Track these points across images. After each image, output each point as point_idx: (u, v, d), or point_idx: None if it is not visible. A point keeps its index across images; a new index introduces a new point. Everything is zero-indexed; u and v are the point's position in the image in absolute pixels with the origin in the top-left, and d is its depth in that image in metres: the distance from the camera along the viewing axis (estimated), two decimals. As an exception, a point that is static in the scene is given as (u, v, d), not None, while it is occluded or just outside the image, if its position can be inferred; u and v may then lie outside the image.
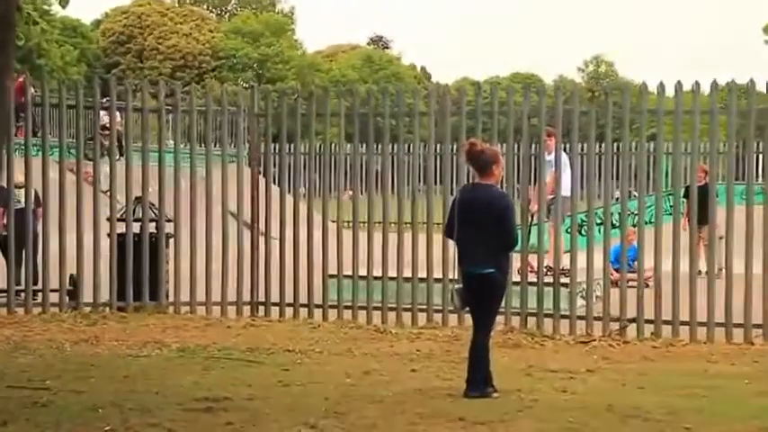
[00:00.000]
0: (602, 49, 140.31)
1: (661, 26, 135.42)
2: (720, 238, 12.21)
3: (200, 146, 14.10)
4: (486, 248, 7.99)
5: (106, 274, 13.07)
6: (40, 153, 13.14)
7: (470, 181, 9.05)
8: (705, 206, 12.18)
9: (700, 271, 12.34)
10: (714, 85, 11.75)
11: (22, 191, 13.09)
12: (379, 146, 13.63)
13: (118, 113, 14.08)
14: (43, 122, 13.36)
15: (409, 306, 12.65)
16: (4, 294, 12.97)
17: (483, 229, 7.98)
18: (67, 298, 13.01)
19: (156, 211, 13.23)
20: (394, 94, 13.32)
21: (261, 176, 13.60)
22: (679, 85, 11.87)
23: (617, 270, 12.52)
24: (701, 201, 11.99)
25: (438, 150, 13.69)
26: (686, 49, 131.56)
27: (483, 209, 8.01)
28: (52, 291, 12.98)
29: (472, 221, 8.05)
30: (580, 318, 12.09)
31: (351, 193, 13.29)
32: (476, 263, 8.06)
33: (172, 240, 13.24)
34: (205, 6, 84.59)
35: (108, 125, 13.79)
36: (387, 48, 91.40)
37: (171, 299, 13.25)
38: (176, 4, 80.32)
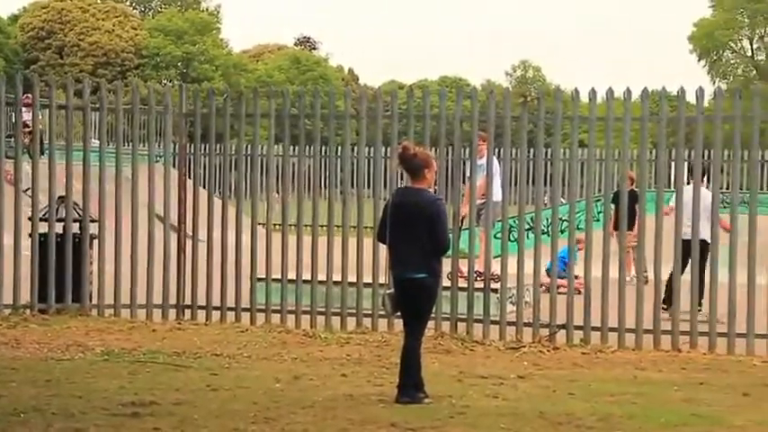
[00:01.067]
0: (526, 54, 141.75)
1: (586, 32, 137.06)
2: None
3: (126, 145, 13.93)
4: (417, 253, 8.03)
5: (27, 274, 12.85)
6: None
7: (403, 185, 9.08)
8: (633, 212, 12.44)
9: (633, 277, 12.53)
10: (645, 92, 11.95)
11: None
12: (309, 148, 13.62)
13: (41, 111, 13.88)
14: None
15: (339, 310, 12.65)
16: None
17: (414, 234, 8.01)
18: (-14, 300, 12.77)
19: (80, 211, 13.04)
20: (325, 96, 13.31)
21: (188, 177, 13.49)
22: (610, 92, 12.04)
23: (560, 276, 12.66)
24: (628, 207, 12.21)
25: (369, 154, 13.72)
26: (613, 55, 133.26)
27: (414, 213, 8.04)
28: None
29: (404, 225, 8.07)
30: (510, 323, 12.19)
31: (278, 195, 13.24)
32: (407, 267, 8.09)
33: (96, 241, 13.06)
34: (128, 3, 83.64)
35: (29, 122, 13.58)
36: (314, 49, 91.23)
37: (95, 301, 13.08)
38: (98, 0, 79.31)
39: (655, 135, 12.54)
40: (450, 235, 12.17)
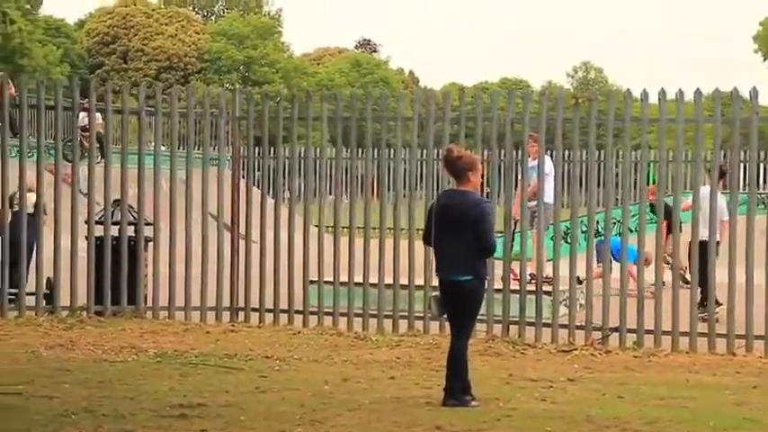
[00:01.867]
0: (592, 54, 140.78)
1: (651, 32, 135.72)
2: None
3: (181, 148, 14.08)
4: (462, 255, 8.01)
5: (84, 277, 13.03)
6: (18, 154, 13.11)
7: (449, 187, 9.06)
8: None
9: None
10: (698, 93, 11.80)
11: (32, 195, 13.09)
12: (363, 150, 13.65)
13: (99, 115, 14.07)
14: (22, 123, 13.30)
15: (390, 313, 12.65)
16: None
17: (460, 236, 8.00)
18: (44, 301, 12.96)
19: (136, 214, 13.19)
20: (378, 97, 13.34)
21: (242, 180, 13.59)
22: (662, 93, 11.90)
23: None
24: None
25: (422, 156, 13.72)
26: (676, 55, 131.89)
27: (459, 215, 8.03)
28: (28, 294, 12.93)
29: (449, 228, 8.06)
30: (562, 326, 12.10)
31: (332, 197, 13.28)
32: (453, 270, 8.07)
33: (151, 244, 13.20)
34: (191, 8, 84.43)
35: (87, 126, 13.78)
36: (375, 51, 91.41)
37: (149, 303, 13.22)
38: (162, 6, 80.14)
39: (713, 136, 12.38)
40: (503, 238, 12.25)
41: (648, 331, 11.80)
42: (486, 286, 8.45)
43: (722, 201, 12.36)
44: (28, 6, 58.01)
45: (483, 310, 11.25)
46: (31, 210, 13.14)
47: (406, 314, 12.62)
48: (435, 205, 8.32)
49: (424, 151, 12.96)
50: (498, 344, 11.61)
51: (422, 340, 11.84)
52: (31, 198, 13.18)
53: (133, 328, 12.25)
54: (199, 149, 14.51)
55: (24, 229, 12.82)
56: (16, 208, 13.14)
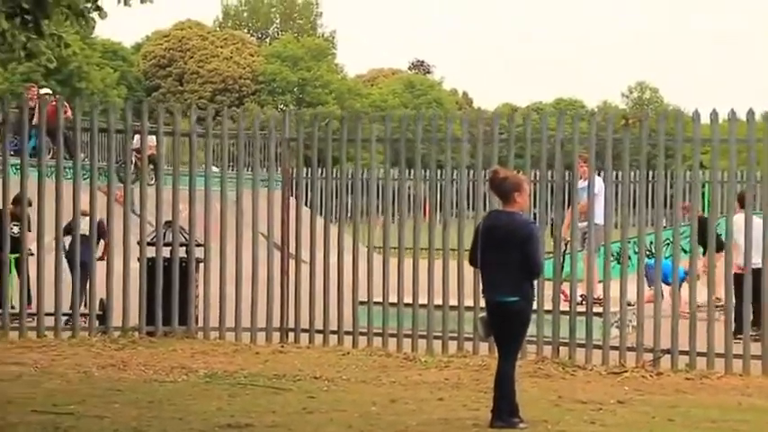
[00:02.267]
0: (651, 74, 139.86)
1: (706, 52, 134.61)
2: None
3: (231, 170, 14.20)
4: (509, 277, 7.98)
5: (136, 298, 13.16)
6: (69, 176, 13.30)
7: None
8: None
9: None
10: (751, 113, 11.68)
11: (86, 218, 13.29)
12: (413, 171, 13.66)
13: (152, 137, 14.24)
14: (75, 146, 13.51)
15: (440, 334, 12.63)
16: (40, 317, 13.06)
17: (506, 257, 7.98)
18: (97, 322, 13.10)
19: (187, 236, 13.31)
20: (429, 118, 13.37)
21: (292, 200, 13.67)
22: (714, 114, 11.80)
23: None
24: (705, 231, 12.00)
25: (472, 176, 13.70)
26: (734, 75, 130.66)
27: (506, 236, 8.01)
28: (82, 315, 13.08)
29: (495, 249, 8.04)
30: (613, 348, 12.00)
31: (381, 219, 13.31)
32: (499, 291, 8.05)
33: (202, 265, 13.31)
34: (246, 30, 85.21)
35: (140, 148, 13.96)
36: (428, 73, 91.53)
37: (200, 324, 13.31)
38: (217, 28, 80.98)
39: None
40: (552, 259, 12.20)
41: (701, 353, 11.67)
42: (533, 307, 8.41)
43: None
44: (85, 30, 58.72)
45: (533, 331, 11.27)
46: (86, 232, 13.30)
47: (456, 335, 12.59)
48: (481, 226, 8.31)
49: (473, 172, 12.94)
50: (548, 365, 11.54)
51: (471, 361, 11.81)
52: (85, 221, 13.34)
53: (184, 348, 12.34)
54: (249, 171, 14.61)
55: (77, 251, 12.99)
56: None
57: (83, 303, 13.52)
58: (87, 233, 13.28)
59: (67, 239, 13.92)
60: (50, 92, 26.56)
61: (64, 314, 13.09)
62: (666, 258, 13.52)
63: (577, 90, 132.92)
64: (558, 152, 12.51)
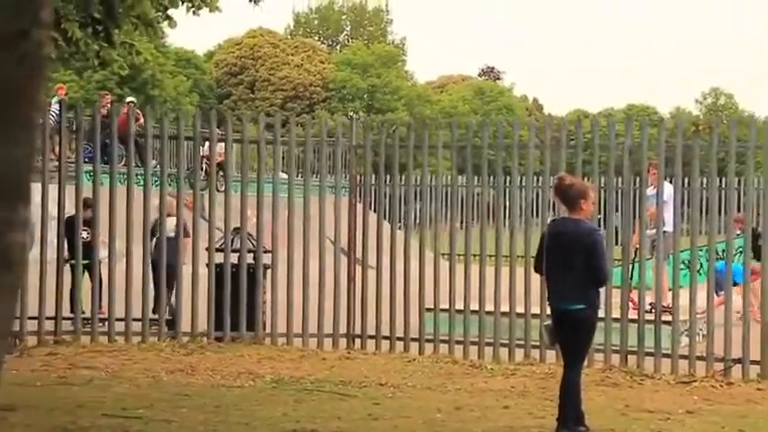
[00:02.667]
0: (725, 80, 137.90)
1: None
2: None
3: (299, 176, 14.30)
4: (575, 284, 7.93)
5: (204, 303, 13.29)
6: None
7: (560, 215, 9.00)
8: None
9: None
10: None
11: (172, 219, 13.44)
12: (481, 178, 13.63)
13: (221, 144, 14.38)
14: (146, 152, 13.69)
15: (507, 341, 12.58)
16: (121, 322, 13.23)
17: (571, 265, 7.92)
18: (166, 327, 13.25)
19: (255, 242, 13.41)
20: (495, 125, 13.32)
21: (359, 206, 13.72)
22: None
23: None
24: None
25: (539, 183, 13.63)
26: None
27: (571, 244, 7.95)
28: (151, 320, 13.23)
29: (560, 257, 8.00)
30: (682, 357, 11.85)
31: (446, 226, 13.31)
32: (565, 299, 8.00)
33: (269, 271, 13.39)
34: (317, 38, 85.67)
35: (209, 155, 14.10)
36: (498, 79, 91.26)
37: (268, 330, 13.40)
38: (288, 36, 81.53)
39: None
40: (620, 267, 12.08)
41: (773, 363, 11.48)
42: (598, 315, 8.34)
43: None
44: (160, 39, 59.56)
45: (600, 339, 11.20)
46: (171, 234, 13.46)
47: (523, 342, 12.53)
48: (547, 233, 8.27)
49: (541, 178, 12.88)
50: (615, 374, 11.42)
51: (538, 369, 11.73)
52: (170, 222, 13.49)
53: (251, 353, 12.42)
54: (317, 177, 14.70)
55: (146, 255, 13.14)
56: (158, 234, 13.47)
57: (168, 306, 13.61)
58: (172, 235, 13.43)
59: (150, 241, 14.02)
60: (134, 100, 27.17)
61: (134, 319, 13.24)
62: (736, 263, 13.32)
63: (650, 97, 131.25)
64: (626, 159, 12.40)
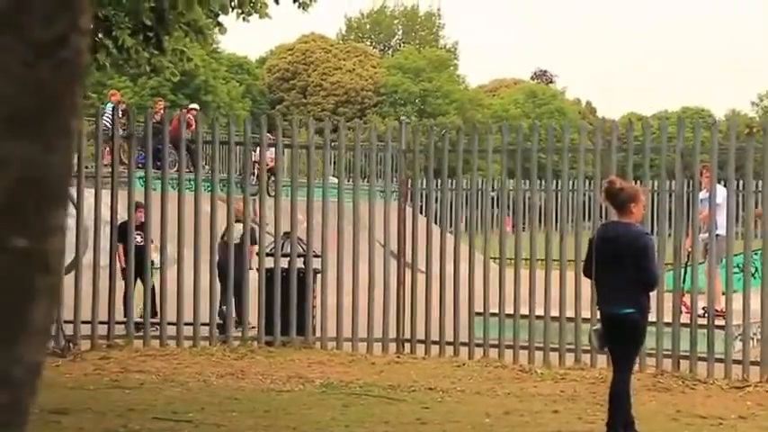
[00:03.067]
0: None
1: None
2: None
3: (348, 181, 14.33)
4: (624, 288, 7.85)
5: (255, 308, 13.34)
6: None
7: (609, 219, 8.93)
8: None
9: None
10: None
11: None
12: (530, 182, 13.57)
13: (272, 150, 14.44)
14: (197, 157, 13.79)
15: (557, 346, 12.50)
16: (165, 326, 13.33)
17: (621, 269, 7.85)
18: (217, 331, 13.32)
19: (305, 246, 13.44)
20: (545, 128, 13.25)
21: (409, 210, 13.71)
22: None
23: None
24: None
25: (589, 186, 13.53)
26: None
27: (621, 247, 7.88)
28: (203, 324, 13.30)
29: (610, 260, 7.93)
30: (736, 362, 11.70)
31: (496, 230, 13.27)
32: (614, 302, 7.93)
33: (319, 275, 13.43)
34: (368, 42, 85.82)
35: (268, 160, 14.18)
36: (551, 82, 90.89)
37: (317, 334, 13.42)
38: (340, 41, 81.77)
39: None
40: (673, 271, 11.95)
41: (828, 368, 11.30)
42: (648, 319, 8.26)
43: None
44: (213, 45, 60.03)
45: (652, 343, 11.10)
46: (237, 240, 13.52)
47: (573, 347, 12.44)
48: (596, 237, 8.21)
49: (592, 182, 12.80)
50: (667, 379, 11.31)
51: (588, 374, 11.65)
52: (237, 228, 13.54)
53: (301, 358, 12.45)
54: (367, 181, 14.72)
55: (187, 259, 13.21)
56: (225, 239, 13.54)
57: (220, 311, 13.66)
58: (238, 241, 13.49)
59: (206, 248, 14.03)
60: (197, 107, 27.49)
61: (186, 323, 13.32)
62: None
63: (705, 99, 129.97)
64: (678, 162, 12.28)
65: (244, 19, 11.76)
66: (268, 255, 13.39)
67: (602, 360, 11.93)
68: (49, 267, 2.48)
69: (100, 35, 11.43)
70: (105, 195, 13.27)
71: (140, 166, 14.53)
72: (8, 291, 2.43)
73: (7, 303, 2.42)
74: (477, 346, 12.91)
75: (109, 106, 22.63)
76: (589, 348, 11.99)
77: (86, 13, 2.60)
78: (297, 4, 11.33)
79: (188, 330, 13.15)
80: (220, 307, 13.57)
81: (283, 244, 13.46)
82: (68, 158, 2.53)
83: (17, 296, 2.43)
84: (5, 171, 2.46)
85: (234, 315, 13.53)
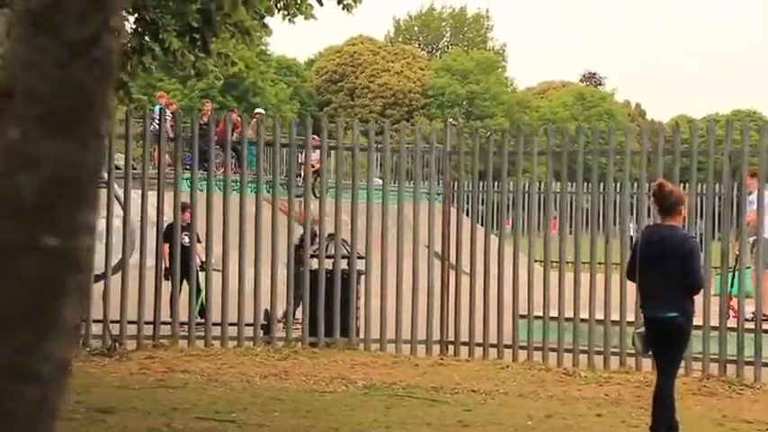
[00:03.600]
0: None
1: None
2: None
3: (393, 183, 14.33)
4: (669, 292, 7.79)
5: (299, 309, 13.37)
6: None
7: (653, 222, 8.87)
8: None
9: None
10: None
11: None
12: (576, 184, 13.50)
13: (318, 152, 14.47)
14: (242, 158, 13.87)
15: (601, 349, 12.41)
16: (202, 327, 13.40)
17: (666, 272, 7.79)
18: (261, 332, 13.36)
19: (349, 248, 13.46)
20: (592, 131, 13.17)
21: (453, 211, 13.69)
22: None
23: None
24: None
25: (636, 189, 13.45)
26: None
27: (666, 251, 7.82)
28: (247, 325, 13.34)
29: (655, 263, 7.87)
30: (783, 366, 11.56)
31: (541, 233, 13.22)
32: (659, 306, 7.87)
33: (363, 277, 13.43)
34: (416, 44, 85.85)
35: (314, 163, 14.23)
36: (600, 84, 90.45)
37: (361, 336, 13.43)
38: (388, 43, 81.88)
39: None
40: (719, 274, 11.82)
41: None
42: (692, 323, 8.18)
43: None
44: (262, 47, 60.36)
45: (699, 347, 11.00)
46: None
47: (618, 350, 12.34)
48: (641, 240, 8.16)
49: (637, 185, 12.71)
50: (713, 383, 11.18)
51: (633, 377, 11.55)
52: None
53: (345, 359, 12.45)
54: (412, 183, 14.71)
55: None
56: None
57: (296, 311, 13.70)
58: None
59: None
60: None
61: (230, 324, 13.38)
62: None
63: (757, 102, 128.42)
64: (725, 165, 12.15)
65: (289, 20, 11.81)
66: (312, 256, 13.41)
67: (648, 363, 11.82)
68: (79, 266, 2.50)
69: (146, 38, 11.54)
70: (152, 196, 13.35)
71: (187, 167, 14.61)
72: (38, 289, 2.45)
73: (37, 301, 2.45)
74: (521, 348, 12.86)
75: (157, 108, 22.85)
76: (634, 352, 11.94)
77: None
78: (341, 5, 11.35)
79: (232, 331, 13.20)
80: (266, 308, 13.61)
81: (328, 245, 13.48)
82: (98, 158, 2.55)
83: (47, 294, 2.45)
84: (38, 170, 2.49)
85: (297, 315, 13.56)
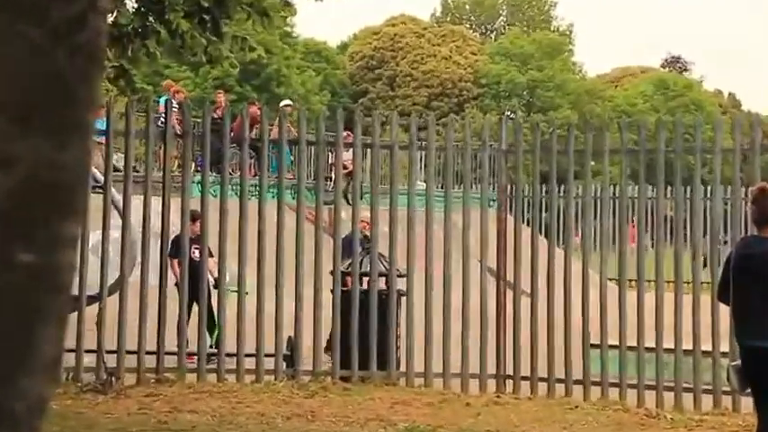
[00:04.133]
0: None
1: None
2: None
3: (439, 186, 14.32)
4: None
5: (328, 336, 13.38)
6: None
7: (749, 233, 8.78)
8: None
9: None
10: None
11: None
12: (655, 188, 13.43)
13: (351, 150, 14.50)
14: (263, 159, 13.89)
15: (691, 386, 12.33)
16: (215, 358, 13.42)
17: (765, 293, 7.69)
18: (284, 364, 13.35)
19: (387, 264, 13.42)
20: (673, 125, 13.09)
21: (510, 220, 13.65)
22: None
23: None
24: None
25: (728, 194, 13.34)
26: None
27: (763, 267, 7.72)
28: (266, 356, 13.33)
29: (752, 283, 7.78)
30: None
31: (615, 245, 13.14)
32: (758, 334, 7.77)
33: (404, 298, 13.40)
34: (468, 25, 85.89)
35: (347, 163, 14.22)
36: (685, 71, 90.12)
37: (402, 369, 13.40)
38: (435, 24, 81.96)
39: None
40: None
41: None
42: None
43: None
44: (287, 29, 60.58)
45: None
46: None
47: (711, 387, 12.26)
48: (734, 255, 8.07)
49: (730, 189, 12.62)
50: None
51: (729, 420, 11.50)
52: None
53: (383, 396, 12.42)
54: (461, 187, 14.66)
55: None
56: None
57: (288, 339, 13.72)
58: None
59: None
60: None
61: (247, 355, 13.40)
62: None
63: None
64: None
65: (317, -1, 11.84)
66: (344, 274, 13.39)
67: (747, 403, 11.74)
68: (59, 286, 2.47)
69: (151, 18, 11.59)
70: (156, 203, 13.37)
71: (198, 169, 14.66)
72: (12, 314, 2.43)
73: (11, 329, 2.42)
74: (594, 384, 12.81)
75: (163, 100, 22.83)
76: (729, 389, 11.83)
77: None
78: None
79: (250, 363, 13.20)
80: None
81: (362, 261, 13.44)
82: (83, 158, 2.52)
83: (22, 320, 2.43)
84: (11, 173, 2.46)
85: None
